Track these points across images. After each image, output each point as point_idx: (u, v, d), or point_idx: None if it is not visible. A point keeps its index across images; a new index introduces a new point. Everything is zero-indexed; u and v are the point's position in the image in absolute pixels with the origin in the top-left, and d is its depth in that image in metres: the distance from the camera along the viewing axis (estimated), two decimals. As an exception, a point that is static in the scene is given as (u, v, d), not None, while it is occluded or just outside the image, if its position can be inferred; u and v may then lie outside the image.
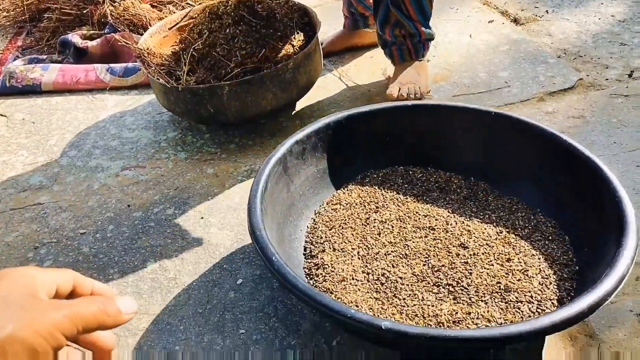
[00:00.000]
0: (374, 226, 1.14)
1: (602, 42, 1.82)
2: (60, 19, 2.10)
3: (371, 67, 1.87)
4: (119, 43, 1.79)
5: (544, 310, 0.92)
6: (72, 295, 0.46)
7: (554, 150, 1.12)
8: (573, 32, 1.90)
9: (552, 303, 0.93)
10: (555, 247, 1.06)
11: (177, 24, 1.77)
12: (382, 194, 1.23)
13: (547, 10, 2.04)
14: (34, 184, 1.51)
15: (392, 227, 1.13)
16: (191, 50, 1.55)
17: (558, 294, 0.95)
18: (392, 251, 1.07)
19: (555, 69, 1.72)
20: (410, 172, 1.29)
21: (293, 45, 1.63)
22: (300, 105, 1.72)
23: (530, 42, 1.86)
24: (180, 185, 1.45)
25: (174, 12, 1.98)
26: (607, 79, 1.65)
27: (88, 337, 0.46)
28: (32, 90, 1.89)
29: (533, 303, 0.93)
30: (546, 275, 0.99)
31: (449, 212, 1.16)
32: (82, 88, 1.89)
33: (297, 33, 1.66)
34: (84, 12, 2.07)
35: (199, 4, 1.99)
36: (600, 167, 1.03)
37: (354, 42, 1.96)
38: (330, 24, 2.17)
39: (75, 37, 1.99)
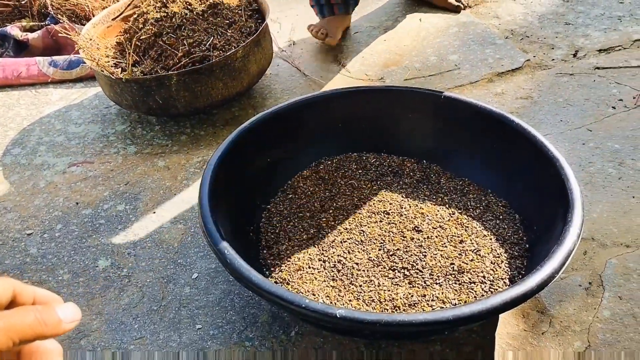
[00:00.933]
0: (329, 213, 1.14)
1: (547, 23, 1.86)
2: (-3, 10, 2.00)
3: (324, 54, 1.86)
4: (61, 35, 1.72)
5: (497, 289, 0.93)
6: (12, 304, 0.43)
7: (502, 131, 1.14)
8: (519, 13, 1.93)
9: (504, 282, 0.95)
10: (506, 226, 1.08)
11: (121, 13, 1.71)
12: (336, 181, 1.22)
13: (494, -8, 2.07)
14: (-25, 185, 1.44)
15: (347, 213, 1.13)
16: (135, 40, 1.50)
17: (509, 273, 0.97)
18: (347, 238, 1.07)
19: (503, 50, 1.74)
20: (364, 158, 1.29)
21: (242, 33, 1.61)
22: (253, 93, 1.70)
23: (479, 25, 1.88)
24: (131, 180, 1.41)
25: (118, 1, 1.91)
26: (553, 59, 1.69)
27: (28, 348, 0.44)
28: (-30, 86, 1.80)
29: (486, 283, 0.94)
30: (498, 254, 1.01)
31: (402, 196, 1.17)
32: (25, 82, 1.81)
33: (246, 20, 1.64)
34: (23, 3, 1.97)
35: (144, -8, 1.93)
36: (547, 146, 1.05)
37: (347, 24, 1.93)
38: (282, 11, 2.14)
39: (14, 30, 1.90)
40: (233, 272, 0.83)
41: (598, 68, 1.61)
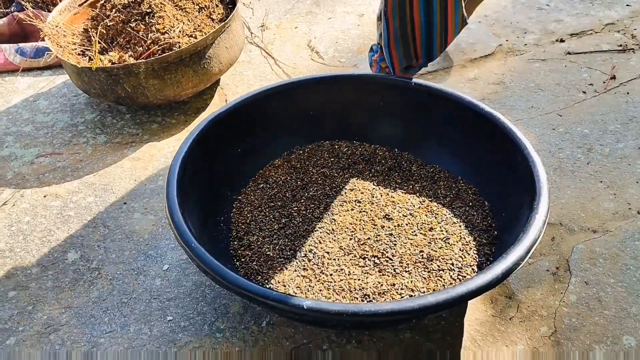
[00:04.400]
0: (300, 202, 1.13)
1: (520, 7, 1.86)
2: (-41, -4, 1.93)
3: (295, 39, 1.84)
4: (25, 22, 1.67)
5: (465, 277, 0.94)
6: None
7: (471, 118, 1.15)
8: (493, -3, 1.93)
9: (472, 269, 0.96)
10: (475, 213, 1.09)
11: (87, -1, 1.66)
12: (308, 170, 1.22)
13: (468, -24, 2.06)
14: (-61, 177, 1.41)
15: (319, 202, 1.13)
16: (100, 27, 1.47)
17: (478, 260, 0.98)
18: (319, 227, 1.07)
19: (476, 35, 1.74)
20: (336, 146, 1.28)
21: (212, 19, 1.58)
22: (224, 80, 1.68)
23: (453, 9, 1.88)
24: (101, 171, 1.39)
25: (85, -14, 1.86)
26: (525, 44, 1.69)
27: None
28: None
29: (454, 270, 0.95)
30: (466, 242, 1.01)
31: (374, 184, 1.17)
32: (-11, 71, 1.76)
33: (217, 6, 1.61)
34: (-14, -12, 1.91)
35: (112, -24, 1.88)
36: (514, 133, 1.06)
37: None
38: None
39: (-23, 16, 1.84)
40: (199, 265, 0.83)
41: (569, 53, 1.62)
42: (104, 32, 1.48)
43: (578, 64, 1.58)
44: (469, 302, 1.00)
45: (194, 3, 1.57)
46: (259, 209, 1.13)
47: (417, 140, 1.25)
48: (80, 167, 1.40)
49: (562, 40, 1.68)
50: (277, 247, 1.04)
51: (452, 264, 0.96)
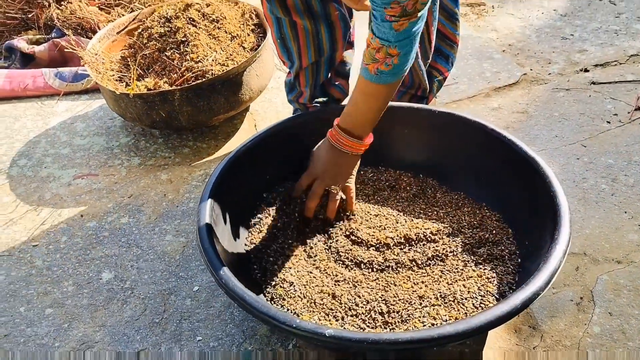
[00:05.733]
0: (325, 229, 1.16)
1: (545, 37, 1.89)
2: (5, 23, 2.03)
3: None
4: (67, 50, 1.76)
5: (487, 305, 0.96)
6: None
7: (495, 146, 1.17)
8: (517, 27, 1.96)
9: (495, 297, 0.98)
10: (499, 240, 1.10)
11: (125, 27, 1.74)
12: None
13: (492, 6, 2.10)
14: (-18, 196, 1.48)
15: (344, 229, 1.16)
16: (139, 56, 1.54)
17: (500, 288, 0.99)
18: (342, 253, 1.10)
19: (500, 64, 1.77)
20: (362, 172, 1.32)
21: (244, 48, 1.64)
22: (254, 106, 1.73)
23: (477, 38, 1.91)
24: (134, 193, 1.44)
25: (123, 15, 1.95)
26: (549, 74, 1.71)
27: None
28: (-22, 98, 1.84)
29: (477, 298, 0.97)
30: (489, 270, 1.03)
31: (398, 210, 1.20)
32: (31, 94, 1.85)
33: (248, 35, 1.67)
34: (30, 15, 2.01)
35: (148, 6, 1.97)
36: (537, 162, 1.08)
37: None
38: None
39: (21, 42, 1.94)
40: (228, 293, 0.86)
41: (594, 83, 1.64)
42: (141, 60, 1.55)
43: (602, 94, 1.59)
44: (492, 330, 1.02)
45: (226, 32, 1.63)
46: (284, 235, 1.16)
47: (441, 167, 1.28)
48: (115, 189, 1.46)
49: (586, 70, 1.70)
50: (301, 274, 1.06)
51: (475, 292, 0.98)
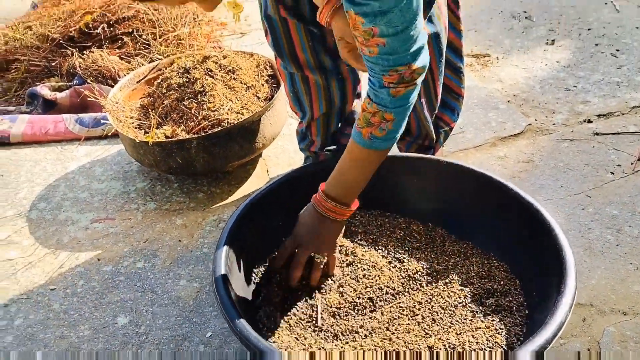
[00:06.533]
0: (334, 275, 1.19)
1: (548, 88, 1.95)
2: (29, 70, 2.13)
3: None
4: (89, 99, 1.83)
5: (494, 358, 0.98)
6: None
7: (502, 198, 1.21)
8: (522, 77, 2.03)
9: (503, 349, 1.00)
10: (506, 291, 1.13)
11: (145, 76, 1.82)
12: (344, 243, 1.28)
13: (497, 57, 2.17)
14: (2, 238, 1.52)
15: (353, 275, 1.19)
16: (158, 106, 1.60)
17: (508, 340, 1.02)
18: (350, 303, 1.13)
19: (505, 114, 1.83)
20: (371, 217, 1.35)
21: (258, 97, 1.70)
22: (266, 152, 1.78)
23: (483, 89, 1.98)
24: (150, 237, 1.48)
25: (142, 64, 2.04)
26: (554, 124, 1.76)
27: None
28: (0, 142, 1.91)
29: (485, 350, 0.99)
30: (497, 321, 1.05)
31: (406, 257, 1.23)
32: (52, 139, 1.91)
33: (262, 85, 1.74)
34: (53, 64, 2.10)
35: (167, 56, 2.05)
36: (543, 214, 1.12)
37: None
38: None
39: (44, 89, 2.02)
40: (242, 341, 0.89)
41: (597, 134, 1.69)
42: (160, 109, 1.61)
43: (606, 145, 1.64)
44: (501, 380, 1.03)
45: (242, 82, 1.70)
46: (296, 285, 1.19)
47: (450, 216, 1.31)
48: (131, 233, 1.50)
49: (589, 121, 1.75)
50: (311, 324, 1.09)
51: (483, 344, 1.00)
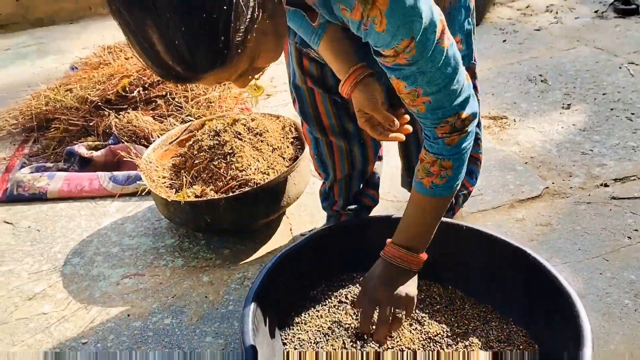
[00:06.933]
0: (352, 340, 1.22)
1: (565, 151, 2.00)
2: (68, 129, 2.26)
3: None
4: (124, 159, 1.94)
5: (515, 422, 1.00)
6: None
7: (520, 263, 1.25)
8: (538, 140, 2.08)
9: (522, 415, 1.01)
10: (525, 357, 1.15)
11: (177, 137, 1.92)
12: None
13: (514, 120, 2.24)
14: (38, 292, 1.59)
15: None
16: (190, 168, 1.69)
17: (527, 406, 1.03)
18: (375, 362, 1.16)
19: (523, 177, 1.88)
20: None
21: (284, 158, 1.79)
22: (290, 210, 1.85)
23: (500, 151, 2.04)
24: (178, 293, 1.54)
25: (175, 124, 2.15)
26: (570, 187, 1.81)
27: None
28: (39, 197, 2.01)
29: (505, 415, 1.01)
30: (517, 386, 1.07)
31: (427, 320, 1.26)
32: (86, 195, 2.01)
33: (287, 147, 1.82)
34: (91, 124, 2.23)
35: (197, 117, 2.17)
36: (560, 280, 1.15)
37: None
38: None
39: (81, 148, 2.13)
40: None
41: (614, 198, 1.72)
42: (192, 170, 1.70)
43: (622, 209, 1.67)
44: None
45: (268, 144, 1.79)
46: (316, 343, 1.22)
47: (469, 280, 1.35)
48: (160, 289, 1.56)
49: (606, 185, 1.79)
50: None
51: (504, 409, 1.02)
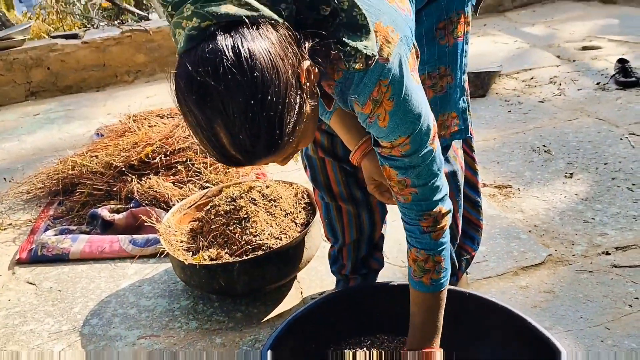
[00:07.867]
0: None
1: (567, 219, 2.07)
2: (92, 193, 2.38)
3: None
4: (145, 223, 2.04)
5: None
6: None
7: (521, 331, 1.29)
8: (542, 209, 2.16)
9: None
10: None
11: (195, 203, 2.03)
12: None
13: (518, 188, 2.32)
14: (57, 352, 1.66)
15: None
16: (207, 233, 1.79)
17: None
18: None
19: (527, 244, 1.94)
20: (392, 344, 1.44)
21: (296, 223, 1.88)
22: (300, 273, 1.92)
23: (504, 219, 2.11)
24: (191, 355, 1.59)
25: (194, 190, 2.27)
26: (573, 255, 1.86)
27: None
28: (61, 258, 2.10)
29: None
30: None
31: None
32: (106, 257, 2.10)
33: (300, 212, 1.92)
34: (114, 188, 2.35)
35: (215, 183, 2.28)
36: (561, 352, 1.19)
37: None
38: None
39: (104, 211, 2.25)
40: None
41: (615, 266, 1.77)
42: (209, 235, 1.80)
43: (624, 277, 1.72)
44: None
45: (281, 210, 1.89)
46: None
47: (470, 343, 1.39)
48: (174, 351, 1.62)
49: (607, 253, 1.84)
50: None
51: None
